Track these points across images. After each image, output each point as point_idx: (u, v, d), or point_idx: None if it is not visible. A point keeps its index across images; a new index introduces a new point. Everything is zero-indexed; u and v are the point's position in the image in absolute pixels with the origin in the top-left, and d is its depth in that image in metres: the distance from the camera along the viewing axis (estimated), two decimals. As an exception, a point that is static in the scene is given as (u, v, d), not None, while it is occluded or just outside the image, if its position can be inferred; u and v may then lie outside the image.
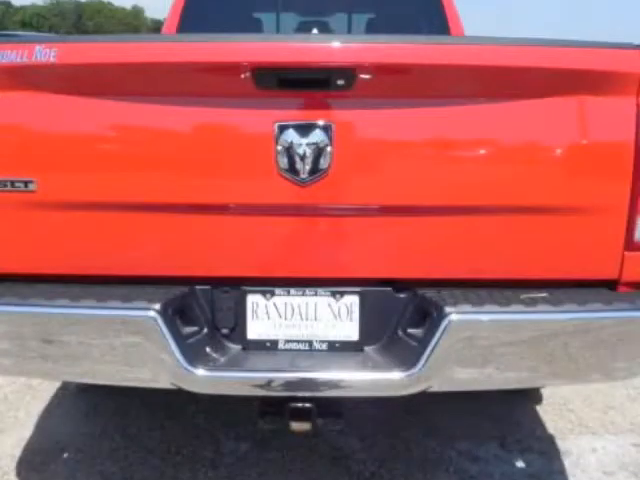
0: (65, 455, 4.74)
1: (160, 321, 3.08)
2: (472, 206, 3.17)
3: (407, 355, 3.19)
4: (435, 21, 6.84)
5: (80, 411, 5.31)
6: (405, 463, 4.69)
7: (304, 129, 3.06)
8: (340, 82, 3.03)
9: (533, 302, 3.16)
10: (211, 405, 5.25)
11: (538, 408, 5.39)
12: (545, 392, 5.49)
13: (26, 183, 3.12)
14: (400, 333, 3.31)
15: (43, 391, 5.55)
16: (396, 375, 3.15)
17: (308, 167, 3.06)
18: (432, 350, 3.09)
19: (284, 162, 3.06)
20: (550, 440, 5.00)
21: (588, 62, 3.11)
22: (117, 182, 3.16)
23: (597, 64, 3.11)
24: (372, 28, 7.26)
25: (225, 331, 3.36)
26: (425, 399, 3.37)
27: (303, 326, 3.34)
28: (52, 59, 3.03)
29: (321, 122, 3.06)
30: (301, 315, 3.33)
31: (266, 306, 3.33)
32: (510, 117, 3.14)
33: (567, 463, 4.74)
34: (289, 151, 3.05)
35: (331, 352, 3.34)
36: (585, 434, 5.10)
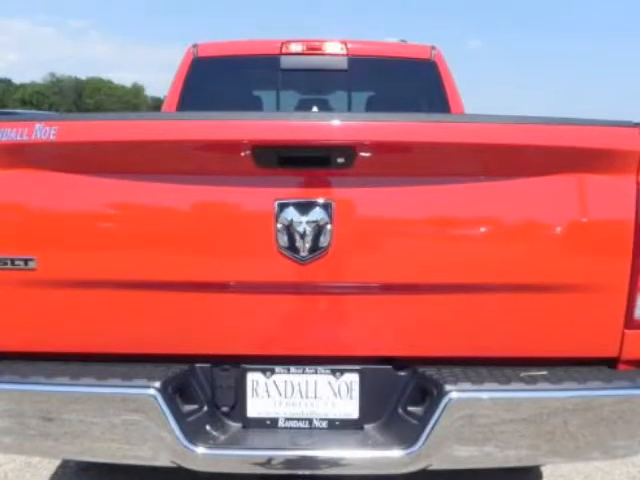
0: (64, 534, 4.67)
1: (160, 399, 3.08)
2: (472, 284, 3.18)
3: (407, 433, 3.18)
4: (435, 99, 6.92)
5: (80, 490, 5.25)
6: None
7: (304, 207, 3.08)
8: (340, 160, 3.06)
9: (533, 380, 3.16)
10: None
11: (538, 486, 5.34)
12: (545, 470, 5.43)
13: (26, 261, 3.13)
14: (400, 411, 3.30)
15: (43, 469, 5.46)
16: (396, 453, 3.14)
17: (308, 245, 3.08)
18: (432, 428, 3.08)
19: (284, 240, 3.08)
20: (550, 520, 4.94)
21: (588, 140, 3.14)
22: (117, 260, 3.17)
23: (597, 142, 3.14)
24: (372, 106, 7.31)
25: (225, 409, 3.35)
26: (425, 476, 3.35)
27: (303, 404, 3.33)
28: (52, 137, 3.06)
29: (321, 200, 3.08)
30: (301, 393, 3.32)
31: (266, 384, 3.32)
32: (510, 195, 3.16)
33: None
34: (289, 229, 3.07)
35: (331, 430, 3.33)
36: (585, 513, 5.05)
